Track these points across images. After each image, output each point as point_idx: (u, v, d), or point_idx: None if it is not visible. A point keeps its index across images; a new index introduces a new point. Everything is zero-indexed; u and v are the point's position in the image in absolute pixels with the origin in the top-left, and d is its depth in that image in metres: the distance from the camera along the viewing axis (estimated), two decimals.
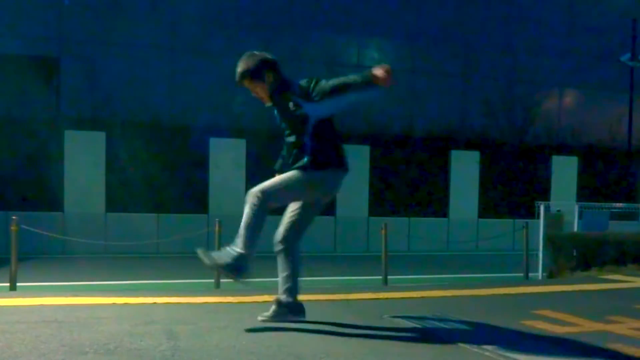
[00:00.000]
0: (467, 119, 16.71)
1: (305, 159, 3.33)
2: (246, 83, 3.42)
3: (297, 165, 3.36)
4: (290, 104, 3.37)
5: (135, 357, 2.65)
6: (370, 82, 3.14)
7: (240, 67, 3.40)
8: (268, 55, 3.44)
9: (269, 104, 3.49)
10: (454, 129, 16.48)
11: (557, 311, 4.06)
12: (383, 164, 15.61)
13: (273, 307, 3.45)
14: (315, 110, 3.33)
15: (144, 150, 13.58)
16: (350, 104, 3.39)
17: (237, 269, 3.20)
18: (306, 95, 3.34)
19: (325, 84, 3.31)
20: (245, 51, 3.51)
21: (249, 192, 3.31)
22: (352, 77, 3.23)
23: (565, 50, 17.29)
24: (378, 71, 3.10)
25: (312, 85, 3.35)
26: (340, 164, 3.43)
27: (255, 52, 3.44)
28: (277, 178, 3.41)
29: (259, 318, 3.46)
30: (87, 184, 13.18)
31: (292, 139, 3.41)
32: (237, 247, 3.23)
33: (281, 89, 3.42)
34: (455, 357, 2.87)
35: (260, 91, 3.44)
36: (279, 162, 3.64)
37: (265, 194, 3.28)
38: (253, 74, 3.38)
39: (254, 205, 3.27)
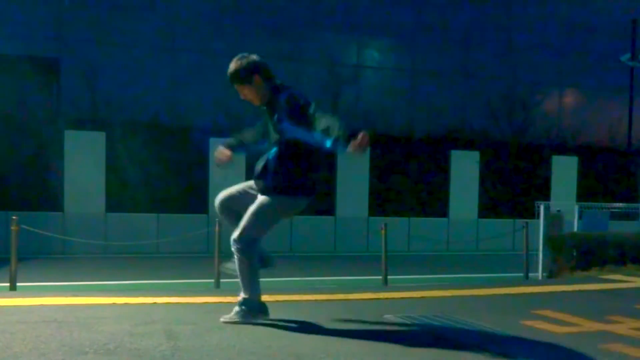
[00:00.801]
0: (467, 119, 16.71)
1: (267, 182, 3.37)
2: (235, 85, 3.45)
3: (259, 186, 3.41)
4: (275, 116, 3.36)
5: (135, 357, 2.65)
6: (346, 145, 3.05)
7: (229, 69, 3.43)
8: (256, 58, 3.44)
9: (259, 105, 3.50)
10: (454, 129, 16.48)
11: (557, 311, 4.06)
12: (383, 164, 15.61)
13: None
14: (291, 132, 3.30)
15: (144, 150, 13.58)
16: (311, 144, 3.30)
17: (250, 310, 3.42)
18: (294, 111, 3.25)
19: (322, 120, 3.14)
20: (245, 51, 3.52)
21: (231, 241, 3.41)
22: (338, 131, 3.06)
23: (565, 50, 17.29)
24: (356, 146, 3.01)
25: (307, 107, 3.23)
26: (302, 192, 3.41)
27: (245, 55, 3.46)
28: (248, 214, 3.40)
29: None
30: (87, 184, 13.17)
31: (268, 151, 3.43)
32: (242, 293, 3.45)
33: (272, 95, 3.41)
34: (455, 357, 2.87)
35: (248, 93, 3.43)
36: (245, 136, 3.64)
37: (243, 242, 3.37)
38: (240, 76, 3.39)
39: (238, 256, 3.40)
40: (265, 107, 3.46)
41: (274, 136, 3.39)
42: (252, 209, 3.39)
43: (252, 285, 3.42)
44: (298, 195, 3.41)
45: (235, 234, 3.40)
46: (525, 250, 9.09)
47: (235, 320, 3.40)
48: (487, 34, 16.74)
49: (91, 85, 13.66)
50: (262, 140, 3.56)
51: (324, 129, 3.08)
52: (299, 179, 3.38)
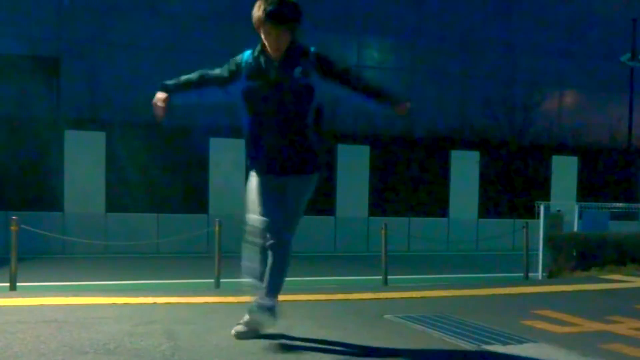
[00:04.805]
0: (467, 119, 16.70)
1: (312, 159, 3.00)
2: (281, 27, 2.90)
3: (301, 168, 3.00)
4: (298, 69, 2.93)
5: (135, 357, 2.65)
6: (390, 105, 3.04)
7: (280, 6, 2.88)
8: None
9: (278, 59, 2.96)
10: (454, 129, 16.48)
11: (557, 311, 4.06)
12: (383, 164, 15.61)
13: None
14: (319, 86, 2.96)
15: (144, 150, 13.58)
16: (350, 102, 3.18)
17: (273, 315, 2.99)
18: (326, 63, 2.98)
19: (349, 70, 3.01)
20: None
21: (280, 242, 3.00)
22: (379, 88, 3.03)
23: (565, 50, 17.29)
24: (402, 108, 3.02)
25: (323, 59, 2.97)
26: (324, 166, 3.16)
27: None
28: (294, 202, 3.05)
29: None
30: (87, 184, 13.17)
31: (288, 121, 2.96)
32: (272, 298, 3.00)
33: (293, 49, 2.98)
34: (456, 357, 2.87)
35: (285, 40, 2.93)
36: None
37: (291, 236, 3.05)
38: (294, 16, 2.93)
39: (286, 253, 3.03)
40: (275, 63, 2.96)
41: (287, 104, 2.95)
42: (295, 195, 3.04)
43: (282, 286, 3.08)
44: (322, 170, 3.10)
45: (283, 230, 3.01)
46: (525, 250, 9.08)
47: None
48: (487, 34, 16.74)
49: (91, 85, 13.66)
50: (223, 89, 3.09)
51: (368, 87, 3.01)
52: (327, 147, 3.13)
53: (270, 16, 2.85)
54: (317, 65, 2.96)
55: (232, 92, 3.08)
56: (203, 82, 3.14)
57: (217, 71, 3.12)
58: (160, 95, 3.12)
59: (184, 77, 3.19)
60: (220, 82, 3.09)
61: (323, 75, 2.96)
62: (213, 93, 3.17)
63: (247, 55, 3.07)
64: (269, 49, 2.96)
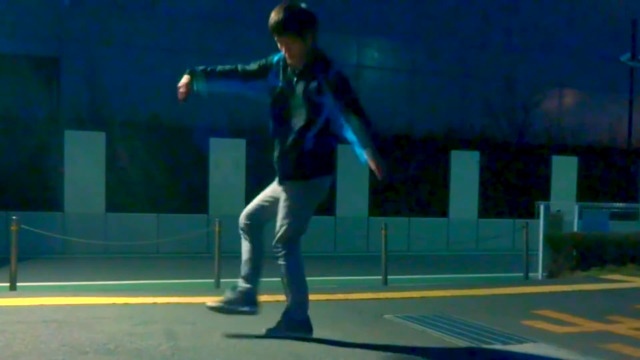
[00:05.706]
0: (467, 119, 16.70)
1: (307, 166, 2.99)
2: (283, 37, 2.95)
3: (297, 174, 3.00)
4: (313, 84, 2.96)
5: (135, 357, 2.65)
6: (371, 157, 3.01)
7: (278, 16, 2.91)
8: (312, 11, 2.99)
9: (299, 68, 3.01)
10: (454, 129, 16.48)
11: (557, 311, 4.06)
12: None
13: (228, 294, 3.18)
14: (328, 111, 3.01)
15: (144, 150, 13.57)
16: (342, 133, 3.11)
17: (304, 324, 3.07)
18: (344, 93, 3.02)
19: (357, 104, 3.06)
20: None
21: (278, 244, 3.04)
22: (368, 139, 3.04)
23: (565, 50, 17.29)
24: (378, 171, 2.99)
25: (341, 84, 3.01)
26: (332, 170, 3.18)
27: (295, 3, 2.97)
28: (287, 212, 3.02)
29: (208, 304, 3.21)
30: (87, 184, 13.17)
31: (292, 129, 3.00)
32: (297, 306, 3.07)
33: (313, 60, 2.99)
34: (455, 357, 2.87)
35: (296, 49, 2.95)
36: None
37: (291, 245, 3.05)
38: (294, 26, 2.90)
39: (292, 260, 3.06)
40: (299, 74, 3.01)
41: (298, 113, 3.00)
42: (287, 203, 3.02)
43: (304, 285, 3.10)
44: (330, 173, 3.10)
45: (281, 239, 3.04)
46: (525, 250, 9.08)
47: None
48: (487, 33, 16.74)
49: (91, 85, 13.66)
50: (247, 85, 3.16)
51: (356, 133, 3.02)
52: (332, 156, 3.10)
53: (270, 27, 2.95)
54: (334, 87, 2.98)
55: (258, 88, 3.16)
56: (230, 73, 3.19)
57: (249, 65, 3.18)
58: (184, 80, 3.22)
59: (215, 67, 3.24)
60: (247, 74, 3.16)
61: (336, 99, 3.00)
62: (237, 85, 3.22)
63: (280, 55, 3.11)
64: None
